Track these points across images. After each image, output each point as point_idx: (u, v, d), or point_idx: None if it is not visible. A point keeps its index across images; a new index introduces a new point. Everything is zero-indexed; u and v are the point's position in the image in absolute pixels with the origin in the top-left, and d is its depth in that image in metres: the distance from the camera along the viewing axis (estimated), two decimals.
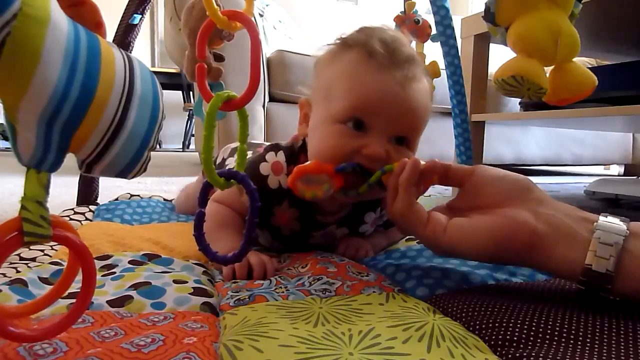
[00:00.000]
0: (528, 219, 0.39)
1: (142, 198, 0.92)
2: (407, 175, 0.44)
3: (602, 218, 0.39)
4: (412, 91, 0.49)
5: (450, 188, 1.49)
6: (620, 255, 0.36)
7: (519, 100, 1.52)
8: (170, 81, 3.79)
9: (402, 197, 0.44)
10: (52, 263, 0.49)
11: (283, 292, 0.42)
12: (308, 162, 0.48)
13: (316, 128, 0.52)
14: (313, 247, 0.57)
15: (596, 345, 0.31)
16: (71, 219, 0.74)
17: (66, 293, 0.33)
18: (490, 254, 0.41)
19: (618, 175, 2.77)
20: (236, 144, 0.76)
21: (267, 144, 0.73)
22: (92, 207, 0.82)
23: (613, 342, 0.32)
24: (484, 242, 0.40)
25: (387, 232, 0.63)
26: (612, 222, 0.38)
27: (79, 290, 0.30)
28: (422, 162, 0.46)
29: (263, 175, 0.55)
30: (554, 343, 0.32)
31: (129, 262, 0.51)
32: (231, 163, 0.74)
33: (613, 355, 0.30)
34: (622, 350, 0.30)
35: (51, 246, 0.56)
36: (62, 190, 1.14)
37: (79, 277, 0.30)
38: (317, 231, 0.58)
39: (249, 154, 0.57)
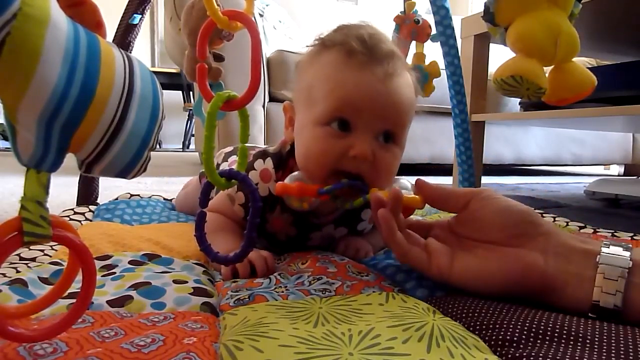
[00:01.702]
0: (538, 261, 0.39)
1: (142, 198, 0.92)
2: (387, 233, 0.43)
3: (604, 249, 0.38)
4: (394, 86, 0.48)
5: None
6: (627, 289, 0.35)
7: (519, 100, 1.52)
8: (170, 81, 3.79)
9: (393, 248, 0.44)
10: (52, 263, 0.49)
11: (283, 291, 0.42)
12: (292, 180, 0.48)
13: (301, 132, 0.51)
14: (312, 249, 0.57)
15: (596, 345, 0.31)
16: (71, 219, 0.73)
17: (66, 293, 0.33)
18: (501, 294, 0.40)
19: (618, 175, 2.77)
20: (229, 149, 0.76)
21: (263, 147, 0.73)
22: (92, 207, 0.82)
23: (613, 341, 0.32)
24: (494, 285, 0.40)
25: None
26: (614, 253, 0.37)
27: (79, 290, 0.30)
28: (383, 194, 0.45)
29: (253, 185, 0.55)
30: (554, 343, 0.32)
31: (129, 262, 0.51)
32: (224, 166, 0.73)
33: (613, 355, 0.30)
34: (622, 350, 0.30)
35: (51, 246, 0.56)
36: (62, 190, 1.14)
37: (79, 277, 0.30)
38: (314, 233, 0.57)
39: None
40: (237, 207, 0.56)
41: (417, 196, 0.46)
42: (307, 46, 0.54)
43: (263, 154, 0.56)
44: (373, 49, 0.48)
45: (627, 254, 0.37)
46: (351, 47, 0.48)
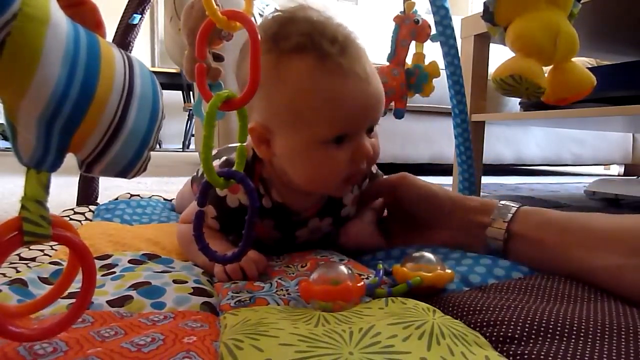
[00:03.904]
0: (448, 238, 0.54)
1: (142, 197, 0.92)
2: None
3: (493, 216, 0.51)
4: (372, 76, 0.47)
5: (450, 187, 1.49)
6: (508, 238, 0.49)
7: (519, 100, 1.52)
8: (170, 81, 3.79)
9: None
10: (51, 263, 0.49)
11: (284, 295, 0.42)
12: (318, 275, 0.40)
13: (296, 155, 0.48)
14: (304, 246, 0.57)
15: (597, 343, 0.31)
16: (71, 219, 0.74)
17: (66, 293, 0.33)
18: None
19: (618, 175, 2.77)
20: (214, 152, 0.75)
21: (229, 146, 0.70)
22: (92, 207, 0.82)
23: (614, 339, 0.32)
24: None
25: None
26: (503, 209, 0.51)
27: (79, 290, 0.30)
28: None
29: (220, 196, 0.53)
30: (556, 340, 0.32)
31: (129, 262, 0.51)
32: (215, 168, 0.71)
33: (614, 352, 0.30)
34: (623, 348, 0.31)
35: (51, 246, 0.56)
36: (62, 190, 1.14)
37: (79, 277, 0.30)
38: (300, 230, 0.57)
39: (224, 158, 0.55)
40: (211, 220, 0.54)
41: (445, 272, 0.43)
42: (244, 50, 0.49)
43: (227, 164, 0.53)
44: (346, 45, 0.46)
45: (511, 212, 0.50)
46: (324, 51, 0.44)
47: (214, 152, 0.74)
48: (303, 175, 0.49)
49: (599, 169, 3.21)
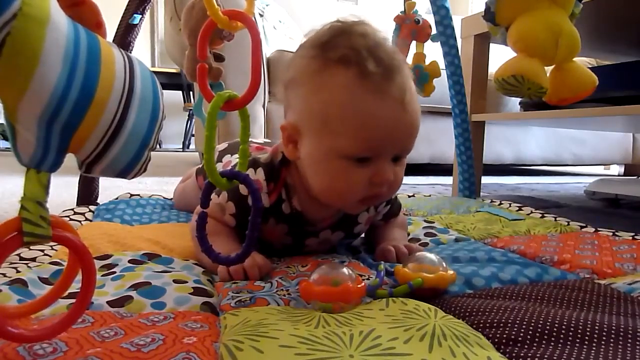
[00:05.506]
0: None
1: (142, 197, 0.92)
2: None
3: None
4: (410, 105, 0.46)
5: (450, 187, 1.49)
6: None
7: (519, 100, 1.52)
8: (170, 81, 3.79)
9: None
10: (52, 263, 0.49)
11: (285, 295, 0.42)
12: (319, 275, 0.40)
13: (316, 162, 0.48)
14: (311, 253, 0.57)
15: (602, 347, 0.31)
16: (71, 219, 0.73)
17: (66, 293, 0.33)
18: None
19: (618, 175, 2.77)
20: (224, 146, 0.75)
21: (259, 141, 0.71)
22: (92, 207, 0.82)
23: (620, 343, 0.32)
24: None
25: (395, 222, 0.63)
26: None
27: (78, 290, 0.30)
28: None
29: (242, 195, 0.53)
30: (560, 343, 0.32)
31: (129, 261, 0.51)
32: (219, 167, 0.71)
33: (619, 356, 0.30)
34: (629, 352, 0.30)
35: (51, 246, 0.56)
36: (62, 190, 1.14)
37: (79, 277, 0.30)
38: (310, 239, 0.57)
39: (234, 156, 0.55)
40: (228, 217, 0.55)
41: (447, 273, 0.43)
42: (301, 52, 0.50)
43: (254, 163, 0.54)
44: (389, 67, 0.45)
45: None
46: (366, 69, 0.44)
47: (223, 146, 0.74)
48: (320, 184, 0.49)
49: (599, 169, 3.21)
